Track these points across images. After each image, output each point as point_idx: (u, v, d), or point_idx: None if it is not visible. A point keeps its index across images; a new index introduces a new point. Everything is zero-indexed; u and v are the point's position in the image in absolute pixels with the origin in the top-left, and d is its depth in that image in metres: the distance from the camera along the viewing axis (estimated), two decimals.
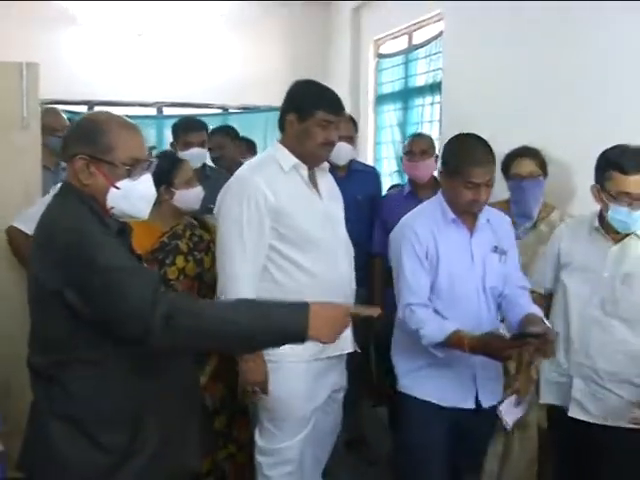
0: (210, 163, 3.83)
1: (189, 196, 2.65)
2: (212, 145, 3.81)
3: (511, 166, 2.95)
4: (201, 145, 3.44)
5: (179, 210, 2.66)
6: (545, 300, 2.55)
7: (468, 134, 2.40)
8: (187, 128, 3.49)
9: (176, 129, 3.58)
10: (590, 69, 3.10)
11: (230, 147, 3.98)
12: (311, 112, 2.37)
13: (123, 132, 1.67)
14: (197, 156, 3.36)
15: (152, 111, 6.10)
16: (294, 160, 2.40)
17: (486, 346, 2.14)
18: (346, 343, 2.46)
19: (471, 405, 2.35)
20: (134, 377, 1.65)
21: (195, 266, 2.61)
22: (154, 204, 2.44)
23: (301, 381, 2.40)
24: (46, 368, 1.63)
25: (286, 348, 2.23)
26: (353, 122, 3.64)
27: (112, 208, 1.68)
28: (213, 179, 3.39)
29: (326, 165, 2.59)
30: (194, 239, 2.68)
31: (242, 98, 6.11)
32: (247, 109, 6.22)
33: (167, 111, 6.12)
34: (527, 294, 2.42)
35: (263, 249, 2.34)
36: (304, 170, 2.43)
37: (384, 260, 3.22)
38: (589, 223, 2.40)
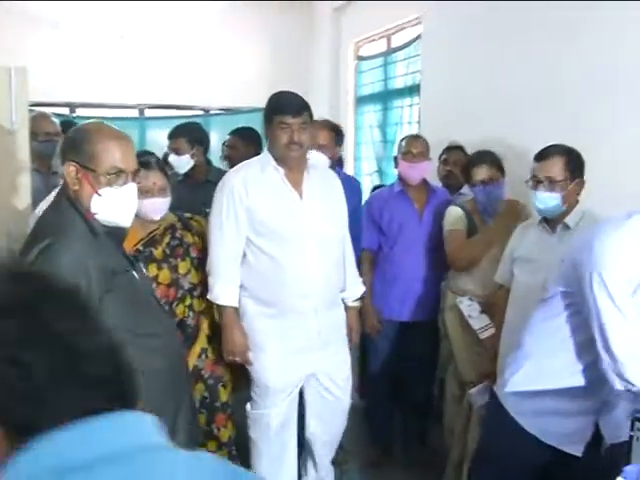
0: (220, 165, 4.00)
1: (143, 206, 2.42)
2: (227, 144, 4.13)
3: (471, 173, 3.09)
4: (176, 152, 3.45)
5: (143, 218, 2.54)
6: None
7: None
8: (168, 135, 3.55)
9: None
10: (568, 69, 3.21)
11: (241, 148, 4.04)
12: (271, 118, 2.63)
13: (108, 142, 1.76)
14: (175, 162, 3.38)
15: (134, 113, 6.16)
16: (272, 162, 2.65)
17: None
18: (311, 329, 2.69)
19: (577, 452, 1.99)
20: None
21: (170, 273, 2.58)
22: None
23: (272, 357, 2.68)
24: None
25: (259, 326, 2.63)
26: (335, 132, 3.58)
27: (96, 214, 1.77)
28: (215, 183, 3.44)
29: (316, 166, 2.80)
30: (173, 243, 2.63)
31: (224, 100, 6.20)
32: (229, 111, 6.28)
33: (149, 113, 6.19)
34: None
35: (240, 239, 2.63)
36: (280, 171, 2.64)
37: (372, 254, 3.42)
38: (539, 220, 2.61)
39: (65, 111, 5.78)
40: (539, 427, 2.03)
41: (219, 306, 2.66)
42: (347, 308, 2.93)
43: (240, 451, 2.88)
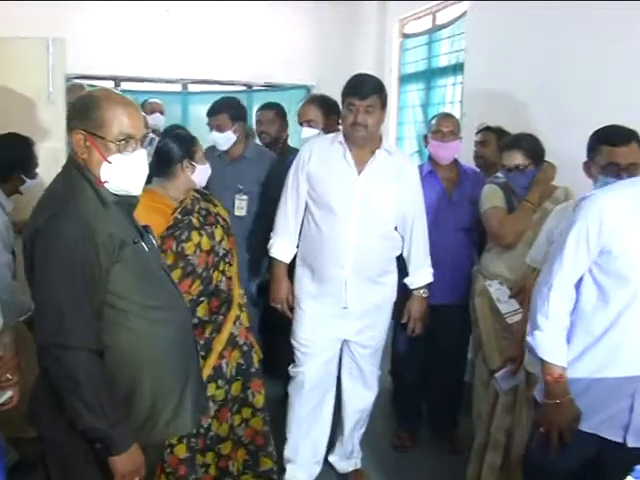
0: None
1: (205, 172, 2.68)
2: (258, 119, 4.03)
3: (502, 156, 3.00)
4: (218, 129, 3.41)
5: (190, 186, 2.66)
6: None
7: None
8: (208, 112, 3.50)
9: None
10: (611, 50, 3.11)
11: (274, 123, 3.97)
12: (343, 99, 2.80)
13: (117, 108, 1.72)
14: (217, 139, 3.36)
15: (177, 87, 6.18)
16: (340, 138, 2.84)
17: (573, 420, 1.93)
18: (341, 300, 2.86)
19: (618, 438, 1.94)
20: (132, 342, 1.75)
21: (209, 240, 2.64)
22: (168, 179, 2.60)
23: (309, 316, 2.91)
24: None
25: (303, 285, 2.91)
26: (326, 107, 3.41)
27: (106, 182, 1.74)
28: (252, 161, 3.42)
29: (394, 150, 2.93)
30: (202, 213, 2.69)
31: (267, 76, 6.17)
32: (271, 87, 6.25)
33: (192, 88, 6.20)
34: None
35: (300, 203, 2.89)
36: (345, 147, 2.82)
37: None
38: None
39: (110, 84, 5.83)
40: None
41: (272, 258, 2.97)
42: (411, 295, 3.03)
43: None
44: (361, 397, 3.08)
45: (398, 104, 5.78)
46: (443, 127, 3.28)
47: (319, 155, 2.85)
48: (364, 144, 2.80)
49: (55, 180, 1.79)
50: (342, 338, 2.97)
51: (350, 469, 3.18)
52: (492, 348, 2.98)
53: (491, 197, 3.04)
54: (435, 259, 3.20)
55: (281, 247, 2.94)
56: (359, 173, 2.79)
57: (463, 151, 4.08)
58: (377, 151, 2.82)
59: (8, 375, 1.93)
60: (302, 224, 2.93)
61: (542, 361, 1.97)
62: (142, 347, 1.76)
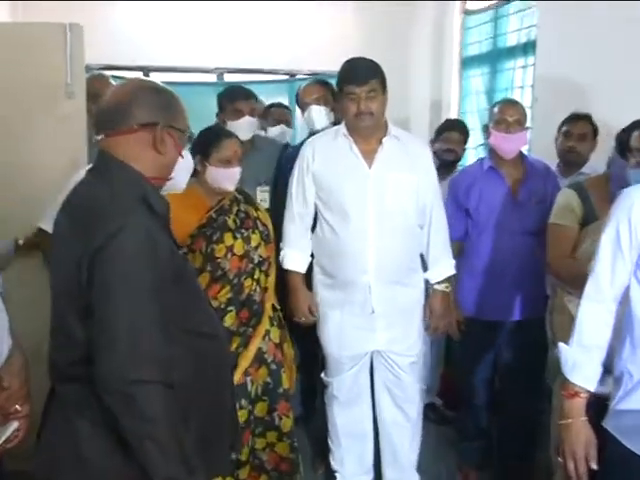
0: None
1: (221, 175, 2.67)
2: None
3: (629, 144, 2.70)
4: (251, 114, 3.41)
5: (213, 185, 2.69)
6: None
7: None
8: (235, 96, 3.47)
9: (223, 98, 3.51)
10: None
11: None
12: (340, 89, 2.80)
13: (179, 100, 1.75)
14: (248, 125, 3.35)
15: (212, 77, 6.14)
16: (343, 130, 2.85)
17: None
18: (367, 306, 2.85)
19: None
20: (181, 373, 1.64)
21: (243, 244, 2.68)
22: (196, 176, 2.61)
23: (333, 328, 2.94)
24: (71, 365, 1.62)
25: (324, 295, 2.94)
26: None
27: (171, 178, 1.75)
28: (263, 150, 3.43)
29: (402, 136, 2.90)
30: (240, 215, 2.73)
31: (309, 63, 6.05)
32: (316, 75, 6.13)
33: (229, 78, 6.13)
34: None
35: (308, 207, 2.90)
36: (350, 139, 2.82)
37: (462, 243, 3.25)
38: None
39: (138, 75, 5.81)
40: None
41: (287, 271, 2.95)
42: (432, 291, 3.01)
43: None
44: (402, 410, 3.03)
45: (460, 92, 5.67)
46: (507, 116, 3.13)
47: (323, 152, 2.86)
48: (371, 134, 2.81)
49: (96, 186, 1.66)
50: (371, 350, 2.96)
51: None
52: None
53: (561, 209, 2.80)
54: (500, 267, 3.15)
55: (294, 257, 2.95)
56: (370, 166, 2.80)
57: (536, 143, 3.93)
58: (384, 139, 2.81)
59: (17, 406, 1.84)
60: (314, 229, 2.93)
61: (564, 377, 1.94)
62: (189, 379, 1.66)
